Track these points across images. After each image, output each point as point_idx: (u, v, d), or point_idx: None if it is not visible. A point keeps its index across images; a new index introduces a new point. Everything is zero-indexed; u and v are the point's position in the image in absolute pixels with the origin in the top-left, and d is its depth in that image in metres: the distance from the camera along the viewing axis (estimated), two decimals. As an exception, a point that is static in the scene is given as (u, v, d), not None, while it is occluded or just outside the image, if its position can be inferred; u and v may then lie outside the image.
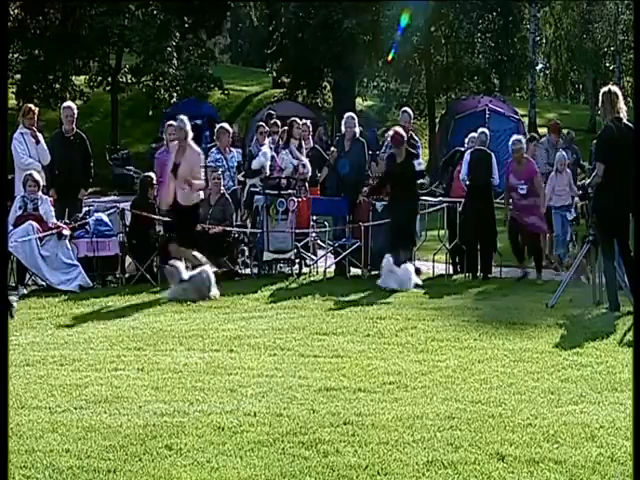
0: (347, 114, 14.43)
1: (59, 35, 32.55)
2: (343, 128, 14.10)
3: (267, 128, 15.61)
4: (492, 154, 13.74)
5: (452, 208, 13.71)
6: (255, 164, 14.39)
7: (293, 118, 15.40)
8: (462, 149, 14.34)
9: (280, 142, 15.06)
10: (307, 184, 14.50)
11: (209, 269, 11.59)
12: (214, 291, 11.46)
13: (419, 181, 13.44)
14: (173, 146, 12.71)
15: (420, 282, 12.30)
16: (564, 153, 14.89)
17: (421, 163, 13.16)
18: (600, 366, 7.54)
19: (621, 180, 9.93)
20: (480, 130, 14.10)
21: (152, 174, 13.98)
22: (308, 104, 33.37)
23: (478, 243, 13.35)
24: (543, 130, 22.11)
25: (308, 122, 16.29)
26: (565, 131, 19.42)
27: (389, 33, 31.09)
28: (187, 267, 11.71)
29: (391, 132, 13.26)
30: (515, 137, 14.16)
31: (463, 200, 13.49)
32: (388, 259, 12.14)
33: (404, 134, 12.98)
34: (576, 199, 14.10)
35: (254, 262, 13.80)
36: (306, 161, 14.37)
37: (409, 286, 11.97)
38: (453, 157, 14.51)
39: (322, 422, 6.03)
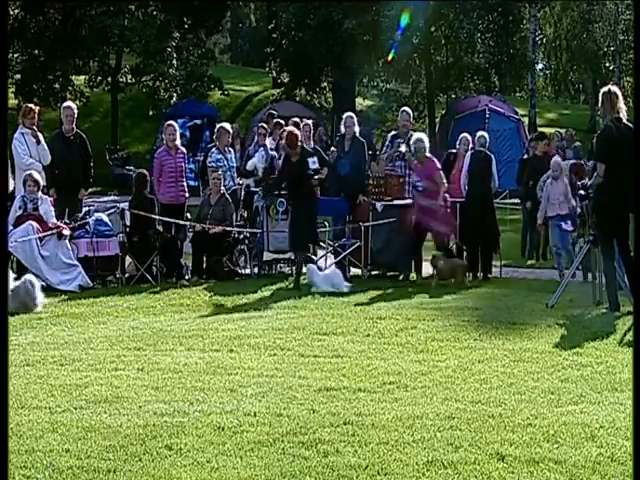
0: (346, 114, 14.43)
1: (59, 35, 32.54)
2: (342, 128, 14.10)
3: (268, 129, 15.61)
4: (492, 156, 13.74)
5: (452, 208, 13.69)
6: (249, 165, 14.46)
7: (295, 119, 15.41)
8: (454, 151, 14.37)
9: (280, 142, 15.05)
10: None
11: (33, 278, 10.99)
12: (40, 300, 10.90)
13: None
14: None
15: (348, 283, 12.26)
16: (559, 159, 14.55)
17: (315, 162, 13.09)
18: (600, 366, 7.55)
19: (621, 180, 9.93)
20: (479, 133, 14.07)
21: (145, 171, 14.00)
22: (308, 104, 33.36)
23: (479, 244, 13.34)
24: (543, 130, 22.05)
25: (310, 122, 16.29)
26: (563, 130, 19.46)
27: (389, 33, 31.08)
28: (15, 278, 11.08)
29: (285, 133, 13.29)
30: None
31: (463, 201, 13.49)
32: (310, 267, 12.21)
33: (298, 134, 12.99)
34: (577, 208, 13.56)
35: (254, 262, 13.80)
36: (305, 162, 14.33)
37: (342, 286, 11.96)
38: (447, 161, 14.46)
39: (322, 422, 6.03)
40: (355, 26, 30.51)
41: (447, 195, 13.25)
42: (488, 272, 13.35)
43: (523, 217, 16.19)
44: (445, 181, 13.36)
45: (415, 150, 13.32)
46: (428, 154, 13.38)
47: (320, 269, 12.40)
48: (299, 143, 12.79)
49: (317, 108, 33.63)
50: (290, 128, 13.42)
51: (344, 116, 14.30)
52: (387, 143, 14.64)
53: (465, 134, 14.12)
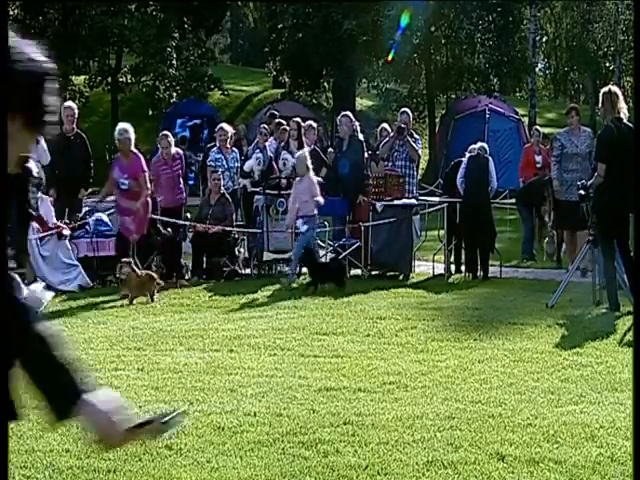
0: (342, 114, 14.41)
1: (59, 35, 32.53)
2: (339, 128, 14.11)
3: (268, 129, 15.59)
4: (490, 159, 13.72)
5: (452, 208, 13.69)
6: (246, 166, 14.49)
7: (296, 119, 15.40)
8: (463, 159, 14.34)
9: (281, 142, 15.05)
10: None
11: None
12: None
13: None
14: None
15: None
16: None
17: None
18: (600, 366, 7.55)
19: (621, 180, 9.93)
20: (479, 144, 14.03)
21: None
22: (308, 104, 33.36)
23: (477, 244, 13.34)
24: (543, 130, 22.03)
25: (313, 123, 16.30)
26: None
27: (389, 33, 31.07)
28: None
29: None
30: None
31: (461, 202, 13.50)
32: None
33: None
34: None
35: (254, 262, 13.80)
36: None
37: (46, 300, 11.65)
38: (454, 169, 14.29)
39: (322, 422, 6.03)
40: (355, 27, 30.49)
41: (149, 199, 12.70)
42: (486, 272, 13.34)
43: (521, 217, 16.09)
44: (149, 185, 12.56)
45: (119, 142, 12.59)
46: (134, 149, 12.70)
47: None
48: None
49: (317, 108, 33.62)
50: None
51: (339, 116, 14.32)
52: (381, 139, 14.69)
53: (474, 145, 13.88)
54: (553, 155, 13.39)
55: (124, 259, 11.64)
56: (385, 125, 15.87)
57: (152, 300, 11.34)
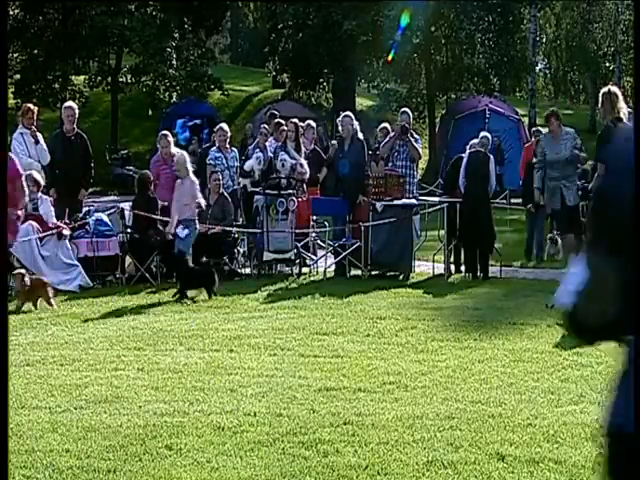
0: (343, 114, 14.41)
1: (59, 35, 32.55)
2: (340, 128, 14.11)
3: (269, 129, 15.59)
4: (491, 156, 13.71)
5: (452, 208, 13.69)
6: (246, 166, 14.50)
7: (294, 119, 15.40)
8: (463, 155, 14.32)
9: (281, 142, 15.04)
10: (305, 185, 14.46)
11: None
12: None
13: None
14: None
15: None
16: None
17: None
18: (600, 366, 7.55)
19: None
20: (482, 134, 14.03)
21: (148, 172, 14.05)
22: (308, 104, 33.37)
23: (476, 244, 13.33)
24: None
25: (312, 123, 16.29)
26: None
27: (389, 33, 31.08)
28: None
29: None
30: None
31: (461, 201, 13.49)
32: None
33: None
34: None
35: (254, 262, 13.80)
36: (303, 161, 14.36)
37: None
38: (455, 166, 14.25)
39: (322, 422, 6.03)
40: (355, 27, 30.49)
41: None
42: (486, 272, 13.34)
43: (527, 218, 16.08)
44: (27, 190, 11.42)
45: None
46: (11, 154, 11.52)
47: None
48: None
49: (317, 108, 33.62)
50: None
51: (340, 116, 14.31)
52: (381, 139, 14.69)
53: (475, 140, 13.88)
54: (535, 162, 13.25)
55: (17, 270, 11.09)
56: (386, 124, 15.85)
57: (50, 305, 10.81)
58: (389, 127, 15.53)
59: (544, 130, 18.14)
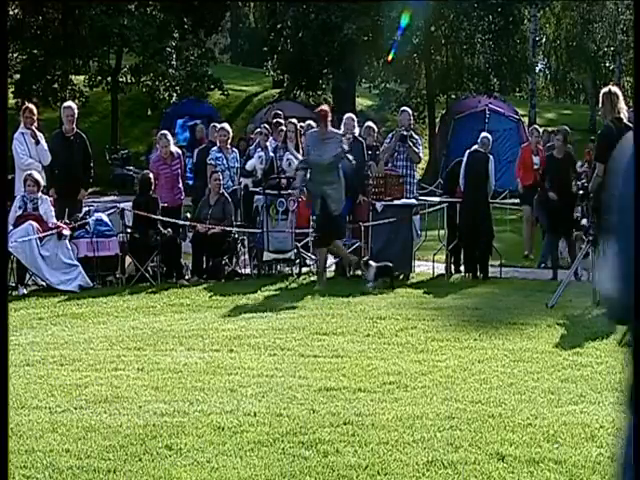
0: (347, 115, 14.43)
1: (58, 34, 32.54)
2: (342, 129, 14.09)
3: (269, 129, 15.59)
4: (491, 156, 13.70)
5: (452, 208, 13.69)
6: (248, 165, 14.50)
7: (293, 120, 15.40)
8: (462, 159, 14.30)
9: (283, 143, 15.04)
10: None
11: None
12: None
13: None
14: None
15: None
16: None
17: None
18: (600, 366, 7.55)
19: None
20: (483, 134, 14.01)
21: (150, 173, 14.06)
22: (308, 104, 33.35)
23: (476, 244, 13.33)
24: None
25: (312, 123, 16.27)
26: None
27: (389, 33, 31.07)
28: None
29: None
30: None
31: (460, 201, 13.49)
32: None
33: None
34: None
35: (254, 262, 13.80)
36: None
37: None
38: (455, 169, 14.22)
39: (322, 422, 6.03)
40: (355, 30, 30.47)
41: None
42: (486, 272, 13.34)
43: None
44: None
45: None
46: None
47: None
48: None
49: (317, 108, 33.57)
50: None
51: (344, 118, 14.30)
52: (387, 139, 14.67)
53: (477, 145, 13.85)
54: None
55: None
56: (370, 123, 15.68)
57: None
58: (374, 126, 15.41)
59: (541, 129, 18.18)
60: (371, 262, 12.45)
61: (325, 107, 13.33)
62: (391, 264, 12.71)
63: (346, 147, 12.71)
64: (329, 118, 12.65)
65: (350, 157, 12.63)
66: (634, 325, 2.19)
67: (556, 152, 14.09)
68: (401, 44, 30.96)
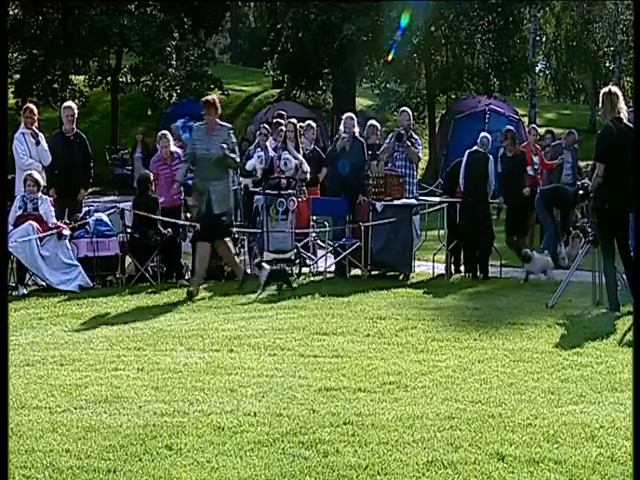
0: (346, 115, 14.43)
1: (58, 34, 32.56)
2: (342, 128, 14.11)
3: (269, 129, 15.59)
4: (490, 156, 13.70)
5: (452, 208, 13.69)
6: (248, 165, 14.50)
7: (292, 120, 15.40)
8: (462, 160, 14.30)
9: (283, 142, 15.05)
10: (305, 185, 14.46)
11: None
12: None
13: None
14: None
15: None
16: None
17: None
18: (600, 366, 7.55)
19: (620, 180, 9.94)
20: (482, 134, 14.01)
21: (149, 172, 14.06)
22: (308, 104, 33.36)
23: (476, 244, 13.33)
24: (542, 130, 22.06)
25: (312, 123, 16.28)
26: (566, 131, 19.42)
27: (389, 33, 31.07)
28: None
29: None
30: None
31: (461, 201, 13.49)
32: None
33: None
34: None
35: (254, 262, 13.79)
36: (304, 161, 14.36)
37: None
38: (455, 169, 14.19)
39: (322, 422, 6.03)
40: (355, 31, 30.46)
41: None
42: (486, 272, 13.34)
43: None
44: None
45: None
46: None
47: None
48: None
49: (317, 108, 33.58)
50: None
51: (344, 117, 14.31)
52: (387, 139, 14.68)
53: (485, 133, 13.86)
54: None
55: None
56: (373, 122, 15.72)
57: None
58: (377, 125, 15.43)
59: (539, 129, 18.18)
60: (265, 264, 11.94)
61: (212, 97, 12.58)
62: (287, 268, 12.40)
63: (234, 140, 12.02)
64: (217, 109, 11.95)
65: (232, 156, 11.84)
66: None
67: (508, 151, 14.76)
68: (401, 44, 30.96)
